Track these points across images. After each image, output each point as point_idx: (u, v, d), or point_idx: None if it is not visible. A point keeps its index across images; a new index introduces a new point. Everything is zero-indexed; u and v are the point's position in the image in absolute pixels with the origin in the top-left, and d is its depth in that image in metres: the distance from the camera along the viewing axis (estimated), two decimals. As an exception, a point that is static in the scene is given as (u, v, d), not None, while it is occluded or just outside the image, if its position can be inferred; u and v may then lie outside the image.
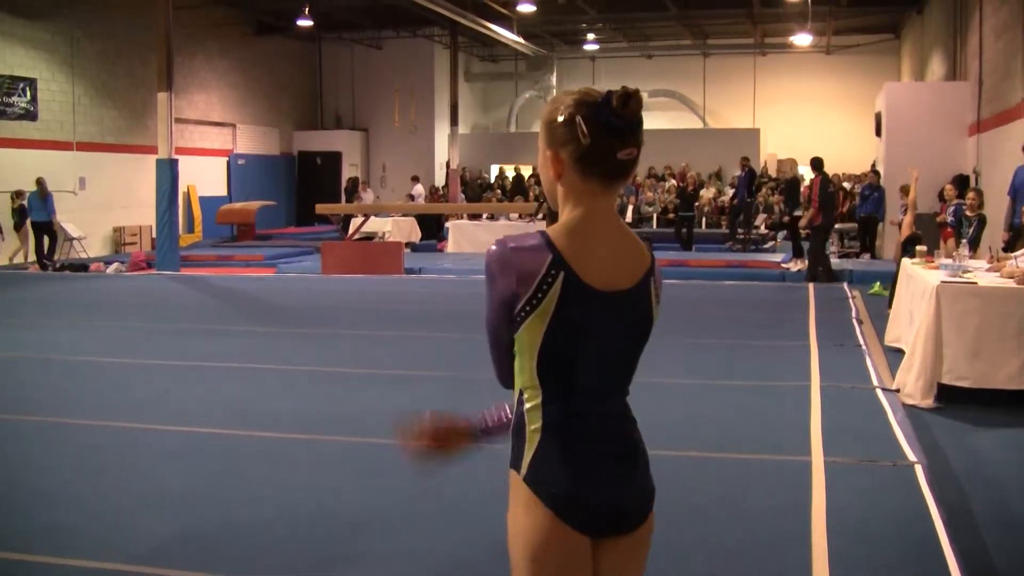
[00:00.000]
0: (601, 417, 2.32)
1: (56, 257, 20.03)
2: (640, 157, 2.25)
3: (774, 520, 4.95)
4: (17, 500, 5.34)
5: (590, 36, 31.00)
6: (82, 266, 19.65)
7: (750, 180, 21.84)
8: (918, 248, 10.36)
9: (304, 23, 26.39)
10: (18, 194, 19.40)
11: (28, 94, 21.37)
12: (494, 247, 2.25)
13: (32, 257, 19.75)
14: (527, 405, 2.28)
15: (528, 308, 2.23)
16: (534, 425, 2.26)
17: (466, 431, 2.48)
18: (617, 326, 2.27)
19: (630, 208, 25.10)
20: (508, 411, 2.42)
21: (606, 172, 2.22)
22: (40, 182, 19.38)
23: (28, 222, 19.39)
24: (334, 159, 31.70)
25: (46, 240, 19.55)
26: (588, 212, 2.24)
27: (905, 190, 15.35)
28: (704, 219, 24.86)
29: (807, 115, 31.59)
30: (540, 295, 2.20)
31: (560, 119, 2.24)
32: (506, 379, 2.40)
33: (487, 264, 2.28)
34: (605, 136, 2.19)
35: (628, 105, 2.19)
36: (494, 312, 2.35)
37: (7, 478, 5.74)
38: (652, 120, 33.36)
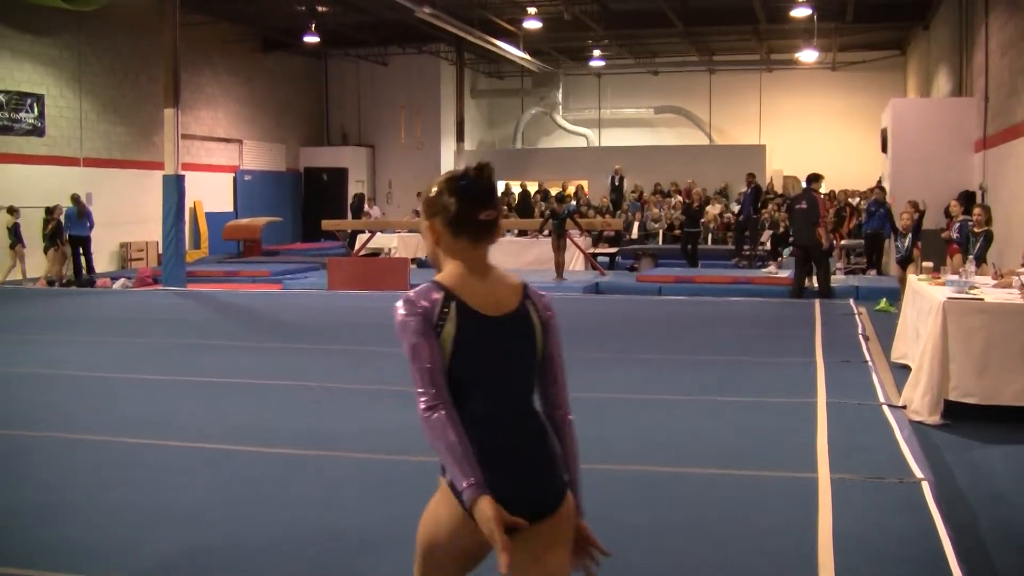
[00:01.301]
0: (507, 421, 2.67)
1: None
2: (499, 214, 2.71)
3: (780, 538, 4.93)
4: (22, 515, 5.32)
5: (596, 52, 31.02)
6: (89, 282, 19.69)
7: (756, 196, 21.85)
8: (924, 264, 10.35)
9: (310, 40, 26.49)
10: (50, 211, 19.40)
11: (36, 110, 21.47)
12: (400, 303, 2.68)
13: (32, 274, 19.78)
14: (436, 405, 2.60)
15: (441, 336, 2.63)
16: (444, 429, 2.57)
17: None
18: (509, 342, 2.70)
19: (636, 224, 25.10)
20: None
21: (471, 232, 2.72)
22: (76, 198, 19.56)
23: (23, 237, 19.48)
24: (340, 175, 31.75)
25: (81, 254, 19.92)
26: (464, 264, 2.72)
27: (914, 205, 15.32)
28: (710, 235, 24.85)
29: (813, 131, 31.61)
30: (442, 323, 2.63)
31: (432, 194, 2.75)
32: (450, 415, 2.59)
33: (399, 317, 2.68)
34: (467, 203, 2.69)
35: (482, 175, 2.71)
36: (422, 347, 2.62)
37: (12, 493, 5.74)
38: (657, 136, 33.54)
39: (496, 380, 2.68)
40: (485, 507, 2.48)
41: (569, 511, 2.70)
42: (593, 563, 2.81)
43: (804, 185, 16.66)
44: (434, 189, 2.76)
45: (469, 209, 2.70)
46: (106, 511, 5.43)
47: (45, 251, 19.54)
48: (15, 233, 19.34)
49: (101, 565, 4.62)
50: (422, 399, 2.58)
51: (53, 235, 19.35)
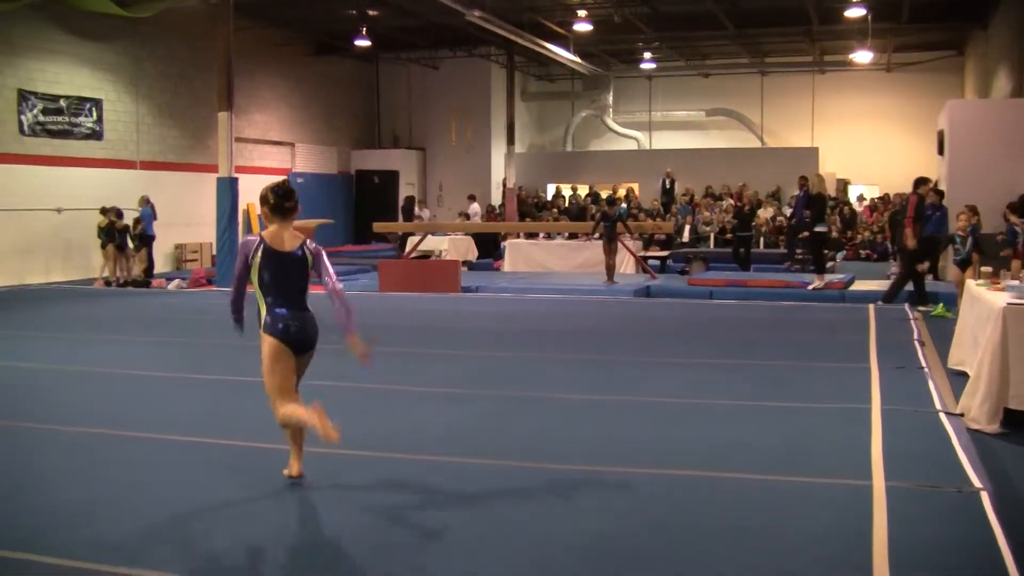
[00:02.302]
0: (287, 308, 5.69)
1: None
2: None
3: (833, 545, 4.85)
4: (68, 511, 5.39)
5: (647, 55, 30.88)
6: (144, 282, 19.93)
7: (808, 200, 21.61)
8: (983, 269, 10.18)
9: (362, 43, 26.62)
10: (105, 211, 19.63)
11: (94, 114, 21.79)
12: (239, 241, 6.34)
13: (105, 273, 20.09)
14: (259, 301, 5.68)
15: (253, 260, 5.61)
16: (263, 310, 5.66)
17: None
18: (288, 267, 5.66)
19: (687, 228, 24.96)
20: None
21: (279, 213, 5.69)
22: (147, 200, 19.81)
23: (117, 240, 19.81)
24: (391, 178, 31.87)
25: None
26: (275, 228, 5.66)
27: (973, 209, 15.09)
28: (762, 239, 24.66)
29: (867, 133, 31.24)
30: (256, 252, 5.60)
31: (264, 194, 5.71)
32: (239, 291, 5.86)
33: (238, 247, 5.75)
34: (278, 198, 5.68)
35: (285, 185, 5.75)
36: (240, 265, 5.68)
37: (60, 489, 5.82)
38: (708, 139, 33.34)
39: (280, 283, 5.69)
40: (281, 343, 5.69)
41: (314, 350, 5.93)
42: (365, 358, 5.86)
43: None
44: (264, 192, 5.73)
45: (278, 202, 5.72)
46: (159, 507, 5.47)
47: (103, 247, 19.78)
48: (108, 233, 19.59)
49: (154, 561, 4.65)
50: (232, 287, 5.89)
51: (109, 234, 19.58)
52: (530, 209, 29.65)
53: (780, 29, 27.57)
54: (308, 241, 5.72)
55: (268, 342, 5.60)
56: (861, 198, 29.42)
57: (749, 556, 4.73)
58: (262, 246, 5.58)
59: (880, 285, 17.59)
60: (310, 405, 5.52)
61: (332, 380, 9.36)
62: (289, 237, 5.67)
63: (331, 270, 5.78)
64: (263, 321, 5.63)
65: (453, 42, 29.54)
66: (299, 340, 5.68)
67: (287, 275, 5.64)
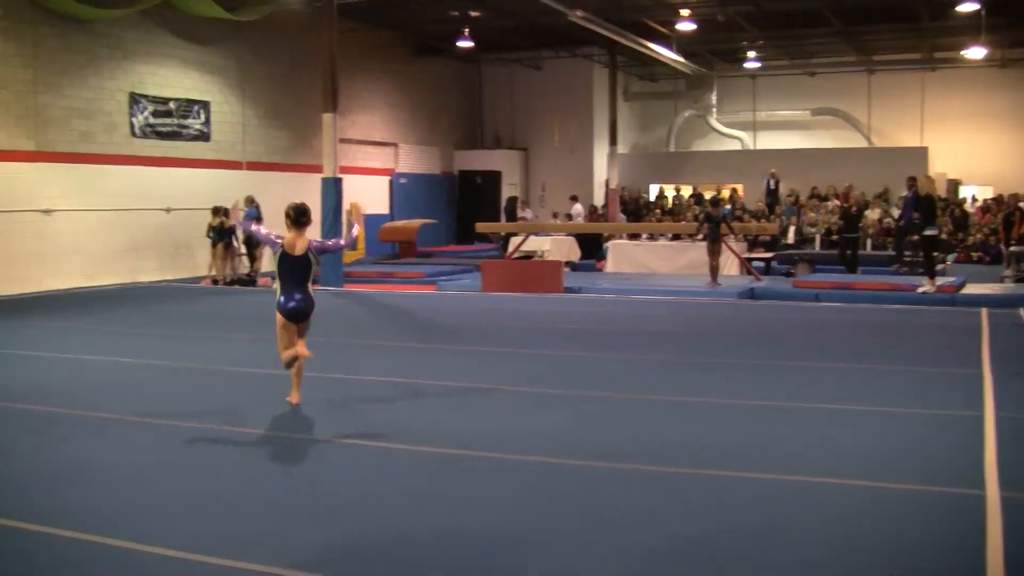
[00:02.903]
0: (292, 293, 7.89)
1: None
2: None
3: (945, 556, 4.73)
4: (195, 505, 5.54)
5: (751, 54, 30.48)
6: (250, 281, 20.30)
7: (917, 201, 21.11)
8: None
9: (464, 44, 26.76)
10: (216, 211, 19.99)
11: (202, 116, 22.27)
12: (276, 235, 8.11)
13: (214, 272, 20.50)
14: (276, 286, 8.04)
15: (274, 257, 8.00)
16: (277, 293, 7.98)
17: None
18: (296, 265, 7.91)
19: (792, 229, 24.58)
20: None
21: (296, 225, 7.99)
22: (252, 200, 20.17)
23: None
24: (494, 178, 32.00)
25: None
26: (292, 236, 7.93)
27: None
28: (869, 241, 24.15)
29: (979, 132, 30.39)
30: (276, 253, 7.95)
31: (286, 210, 8.09)
32: (251, 237, 15.34)
33: (274, 237, 8.11)
34: (295, 214, 8.05)
35: (301, 205, 8.13)
36: (262, 236, 8.45)
37: (184, 482, 5.97)
38: (814, 139, 32.82)
39: (289, 275, 7.87)
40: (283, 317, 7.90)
41: (308, 320, 8.05)
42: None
43: None
44: (288, 208, 8.05)
45: (297, 216, 7.99)
46: (267, 503, 5.58)
47: (213, 246, 20.17)
48: (219, 232, 19.99)
49: (262, 555, 4.73)
50: (249, 233, 12.53)
51: (220, 234, 19.96)
52: (635, 209, 29.54)
53: (888, 26, 26.93)
54: (312, 243, 8.01)
55: (278, 317, 7.95)
56: (974, 199, 28.66)
57: (856, 566, 4.64)
58: (281, 250, 7.90)
59: (993, 289, 17.11)
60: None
61: (438, 379, 9.45)
62: (300, 243, 7.92)
63: (330, 242, 8.56)
64: (276, 301, 7.98)
65: (555, 42, 29.52)
66: (296, 315, 7.92)
67: (294, 270, 7.92)
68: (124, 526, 5.20)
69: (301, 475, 6.24)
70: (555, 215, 29.12)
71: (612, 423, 7.71)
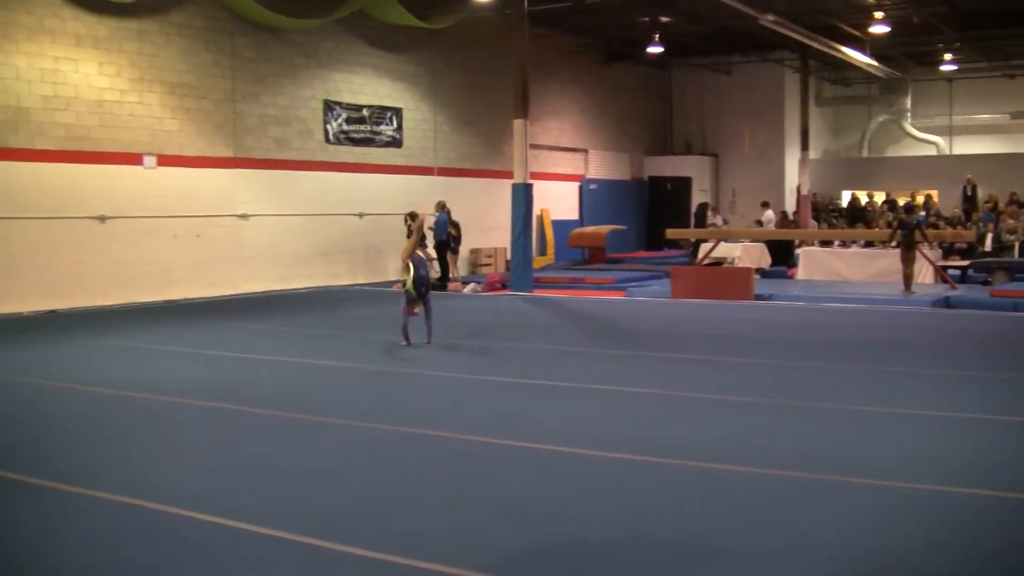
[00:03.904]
0: (424, 276, 11.82)
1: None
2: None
3: None
4: (381, 504, 5.59)
5: (947, 57, 29.29)
6: (441, 286, 20.59)
7: None
8: None
9: (654, 50, 26.58)
10: (412, 216, 20.39)
11: (395, 123, 22.80)
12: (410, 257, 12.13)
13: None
14: (407, 275, 11.76)
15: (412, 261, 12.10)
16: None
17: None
18: (423, 266, 12.01)
19: (989, 236, 23.42)
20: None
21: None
22: (443, 205, 20.55)
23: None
24: (684, 184, 31.70)
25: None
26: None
27: None
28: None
29: None
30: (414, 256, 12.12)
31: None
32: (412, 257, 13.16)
33: (417, 259, 12.03)
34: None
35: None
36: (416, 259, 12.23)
37: (372, 480, 6.05)
38: (1014, 144, 31.40)
39: (421, 270, 11.77)
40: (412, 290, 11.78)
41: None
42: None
43: None
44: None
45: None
46: (445, 503, 5.59)
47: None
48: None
49: (443, 555, 4.72)
50: (412, 254, 12.42)
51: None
52: (827, 216, 28.79)
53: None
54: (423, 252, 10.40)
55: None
56: None
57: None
58: (414, 254, 11.89)
59: None
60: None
61: (627, 385, 9.36)
62: (422, 251, 10.74)
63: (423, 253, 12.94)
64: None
65: (746, 47, 29.07)
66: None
67: (423, 267, 11.81)
68: (322, 524, 5.30)
69: (490, 480, 6.22)
70: (754, 222, 28.57)
71: (802, 433, 7.43)
